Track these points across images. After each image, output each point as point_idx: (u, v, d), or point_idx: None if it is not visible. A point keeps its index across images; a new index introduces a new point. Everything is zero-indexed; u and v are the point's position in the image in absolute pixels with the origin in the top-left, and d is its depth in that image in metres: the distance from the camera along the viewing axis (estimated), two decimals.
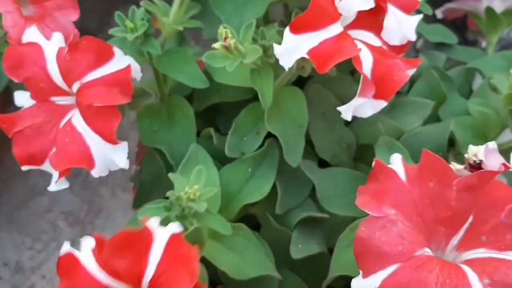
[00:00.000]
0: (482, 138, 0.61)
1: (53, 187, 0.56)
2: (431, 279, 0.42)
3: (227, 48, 0.52)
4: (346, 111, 0.50)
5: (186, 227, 0.49)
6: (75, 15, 0.61)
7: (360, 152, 0.64)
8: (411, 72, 0.52)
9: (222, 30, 0.52)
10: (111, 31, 0.57)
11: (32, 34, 0.56)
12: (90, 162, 0.52)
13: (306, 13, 0.48)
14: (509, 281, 0.41)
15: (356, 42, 0.49)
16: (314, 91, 0.60)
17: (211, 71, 0.59)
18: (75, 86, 0.53)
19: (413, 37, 0.54)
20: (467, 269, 0.43)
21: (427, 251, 0.44)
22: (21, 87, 0.58)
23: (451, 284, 0.41)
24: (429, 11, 0.63)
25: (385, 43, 0.53)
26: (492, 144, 0.48)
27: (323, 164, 0.62)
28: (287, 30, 0.48)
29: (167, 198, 0.50)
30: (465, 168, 0.48)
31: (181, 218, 0.49)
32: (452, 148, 0.62)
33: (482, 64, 0.71)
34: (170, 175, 0.51)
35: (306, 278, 0.59)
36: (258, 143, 0.58)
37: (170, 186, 0.51)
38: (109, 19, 0.97)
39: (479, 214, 0.44)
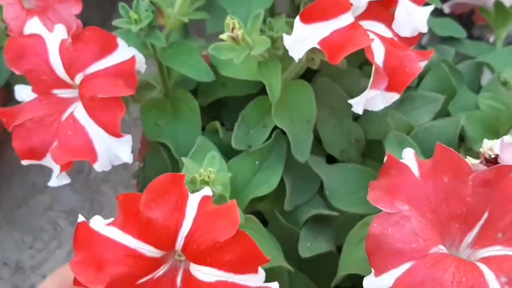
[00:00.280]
0: (493, 133, 0.60)
1: (54, 182, 0.54)
2: (447, 277, 0.40)
3: (234, 39, 0.51)
4: (358, 104, 0.48)
5: None
6: (77, 8, 0.60)
7: (368, 148, 0.62)
8: (423, 64, 0.51)
9: (229, 21, 0.51)
10: (115, 22, 0.56)
11: (34, 25, 0.55)
12: (93, 155, 0.51)
13: (316, 3, 0.47)
14: None
15: (368, 33, 0.48)
16: (322, 85, 0.58)
17: (216, 65, 0.58)
18: (78, 78, 0.52)
19: (424, 29, 0.53)
20: (483, 267, 0.41)
21: (442, 248, 0.42)
22: (22, 81, 0.57)
23: (467, 283, 0.40)
24: (438, 3, 0.62)
25: (396, 34, 0.52)
26: (508, 138, 0.46)
27: (331, 160, 0.61)
28: (297, 20, 0.47)
29: None
30: (480, 162, 0.46)
31: None
32: (462, 143, 0.61)
33: (491, 58, 0.69)
34: (183, 159, 0.50)
35: (314, 277, 0.58)
36: (265, 136, 0.56)
37: None
38: (111, 12, 0.96)
39: (495, 210, 0.43)
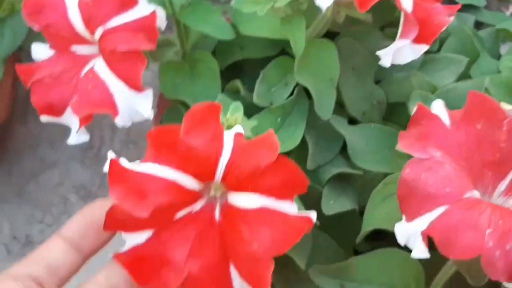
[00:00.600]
0: None
1: (73, 139, 0.53)
2: (483, 220, 0.39)
3: None
4: (386, 55, 0.47)
5: None
6: None
7: (389, 111, 0.62)
8: (451, 18, 0.50)
9: None
10: None
11: None
12: (114, 109, 0.50)
13: None
14: None
15: None
16: (344, 45, 0.58)
17: (237, 23, 0.57)
18: (98, 32, 0.51)
19: None
20: None
21: (476, 194, 0.41)
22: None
23: (504, 226, 0.39)
24: None
25: None
26: None
27: (352, 123, 0.60)
28: None
29: None
30: None
31: None
32: None
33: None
34: None
35: (335, 237, 0.57)
36: (287, 94, 0.55)
37: None
38: None
39: None
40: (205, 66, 0.58)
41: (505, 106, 0.44)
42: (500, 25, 0.69)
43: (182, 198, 0.40)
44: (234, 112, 0.47)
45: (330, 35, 0.59)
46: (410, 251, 0.51)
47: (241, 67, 0.65)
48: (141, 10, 0.51)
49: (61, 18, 0.53)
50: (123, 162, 0.40)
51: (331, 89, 0.54)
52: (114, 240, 0.43)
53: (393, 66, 0.60)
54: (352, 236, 0.56)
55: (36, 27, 0.54)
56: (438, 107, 0.45)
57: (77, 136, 0.53)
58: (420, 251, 0.41)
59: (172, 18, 0.59)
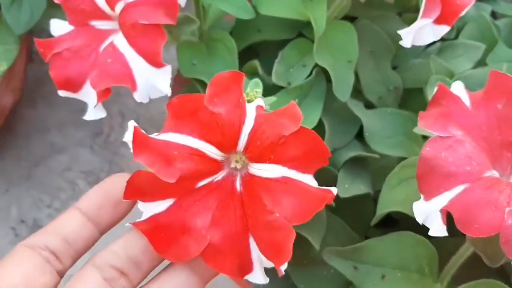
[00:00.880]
0: None
1: (90, 115, 0.53)
2: (502, 199, 0.39)
3: None
4: (407, 34, 0.47)
5: None
6: None
7: (405, 98, 0.62)
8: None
9: None
10: None
11: None
12: (133, 83, 0.50)
13: None
14: None
15: None
16: (364, 28, 0.58)
17: (256, 4, 0.57)
18: (119, 6, 0.51)
19: None
20: None
21: (495, 173, 0.41)
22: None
23: None
24: None
25: None
26: None
27: (368, 108, 0.60)
28: None
29: None
30: None
31: None
32: None
33: None
34: None
35: (348, 223, 0.57)
36: (305, 75, 0.55)
37: None
38: None
39: None
40: (222, 45, 0.58)
41: None
42: None
43: (205, 166, 0.39)
44: (254, 87, 0.47)
45: (349, 19, 0.59)
46: (423, 234, 0.51)
47: (257, 52, 0.65)
48: None
49: None
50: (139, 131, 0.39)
51: (349, 71, 0.54)
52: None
53: (410, 53, 0.60)
54: (365, 222, 0.56)
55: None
56: (458, 88, 0.45)
57: (95, 112, 0.53)
58: (438, 230, 0.41)
59: None
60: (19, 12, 0.65)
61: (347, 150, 0.56)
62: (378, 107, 0.59)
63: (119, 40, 0.51)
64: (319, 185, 0.53)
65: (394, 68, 0.61)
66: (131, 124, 0.40)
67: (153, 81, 0.50)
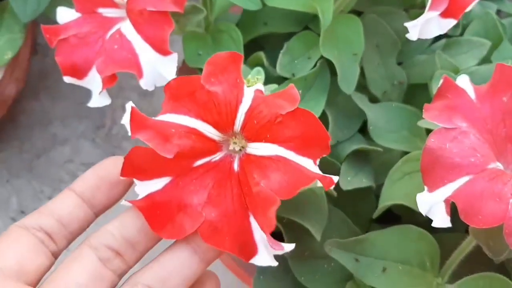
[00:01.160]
0: None
1: (94, 102, 0.53)
2: (506, 190, 0.39)
3: None
4: (414, 27, 0.47)
5: None
6: None
7: (409, 94, 0.62)
8: None
9: None
10: None
11: None
12: (139, 70, 0.50)
13: None
14: None
15: None
16: (370, 22, 0.58)
17: None
18: None
19: None
20: None
21: (499, 165, 0.41)
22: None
23: None
24: None
25: None
26: None
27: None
28: None
29: None
30: None
31: None
32: None
33: None
34: None
35: (349, 217, 0.57)
36: (309, 67, 0.56)
37: None
38: None
39: None
40: (228, 36, 0.58)
41: None
42: None
43: (203, 145, 0.39)
44: (255, 74, 0.47)
45: (355, 14, 0.59)
46: (425, 227, 0.51)
47: (262, 45, 0.65)
48: None
49: None
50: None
51: (355, 64, 0.55)
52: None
53: (415, 49, 0.60)
54: (366, 217, 0.57)
55: None
56: (464, 81, 0.46)
57: (99, 99, 0.53)
58: (442, 221, 0.41)
59: None
60: (26, 0, 0.66)
61: (350, 143, 0.56)
62: (382, 101, 0.59)
63: (126, 27, 0.51)
64: None
65: (399, 63, 0.62)
66: (129, 105, 0.40)
67: (159, 69, 0.50)
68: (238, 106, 0.39)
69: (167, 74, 0.50)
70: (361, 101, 0.56)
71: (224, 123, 0.39)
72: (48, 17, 0.67)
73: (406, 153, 0.55)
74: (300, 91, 0.53)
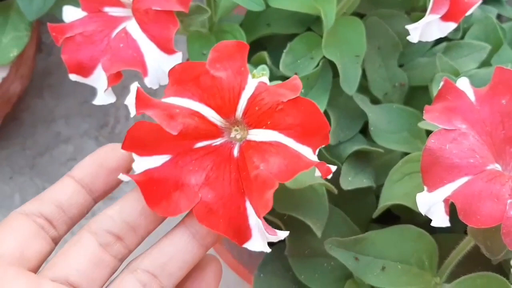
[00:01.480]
0: None
1: (100, 99, 0.54)
2: (504, 191, 0.40)
3: None
4: (415, 29, 0.48)
5: None
6: None
7: (410, 95, 0.62)
8: None
9: None
10: None
11: None
12: (144, 69, 0.50)
13: None
14: None
15: None
16: (372, 24, 0.58)
17: None
18: None
19: None
20: None
21: (498, 166, 0.42)
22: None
23: None
24: None
25: None
26: None
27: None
28: None
29: None
30: None
31: None
32: None
33: None
34: None
35: (350, 216, 0.58)
36: (312, 66, 0.56)
37: None
38: None
39: None
40: (232, 36, 0.59)
41: None
42: None
43: (205, 127, 0.40)
44: (261, 71, 0.48)
45: (357, 16, 0.60)
46: (424, 228, 0.52)
47: (265, 46, 0.66)
48: None
49: None
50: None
51: (357, 65, 0.55)
52: None
53: (416, 51, 0.61)
54: (366, 217, 0.57)
55: None
56: (463, 84, 0.46)
57: (105, 97, 0.53)
58: (441, 220, 0.42)
59: None
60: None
61: (352, 144, 0.57)
62: (384, 103, 0.60)
63: (132, 26, 0.52)
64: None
65: (400, 66, 0.62)
66: (134, 85, 0.40)
67: (164, 67, 0.51)
68: (241, 93, 0.39)
69: None
70: (362, 102, 0.57)
71: (226, 109, 0.40)
72: (53, 15, 0.68)
73: (406, 154, 0.55)
74: (302, 91, 0.54)
